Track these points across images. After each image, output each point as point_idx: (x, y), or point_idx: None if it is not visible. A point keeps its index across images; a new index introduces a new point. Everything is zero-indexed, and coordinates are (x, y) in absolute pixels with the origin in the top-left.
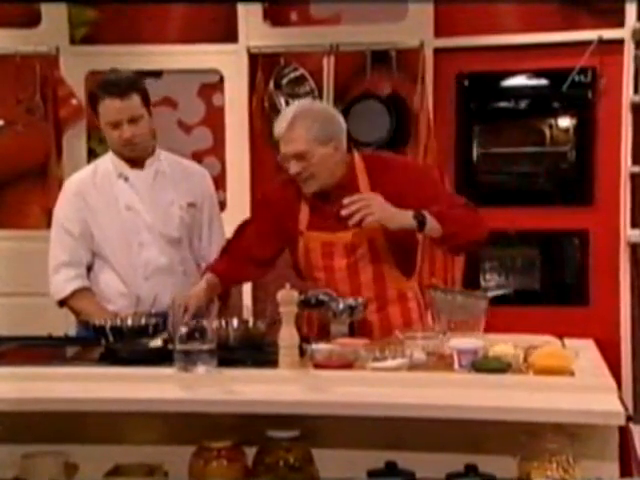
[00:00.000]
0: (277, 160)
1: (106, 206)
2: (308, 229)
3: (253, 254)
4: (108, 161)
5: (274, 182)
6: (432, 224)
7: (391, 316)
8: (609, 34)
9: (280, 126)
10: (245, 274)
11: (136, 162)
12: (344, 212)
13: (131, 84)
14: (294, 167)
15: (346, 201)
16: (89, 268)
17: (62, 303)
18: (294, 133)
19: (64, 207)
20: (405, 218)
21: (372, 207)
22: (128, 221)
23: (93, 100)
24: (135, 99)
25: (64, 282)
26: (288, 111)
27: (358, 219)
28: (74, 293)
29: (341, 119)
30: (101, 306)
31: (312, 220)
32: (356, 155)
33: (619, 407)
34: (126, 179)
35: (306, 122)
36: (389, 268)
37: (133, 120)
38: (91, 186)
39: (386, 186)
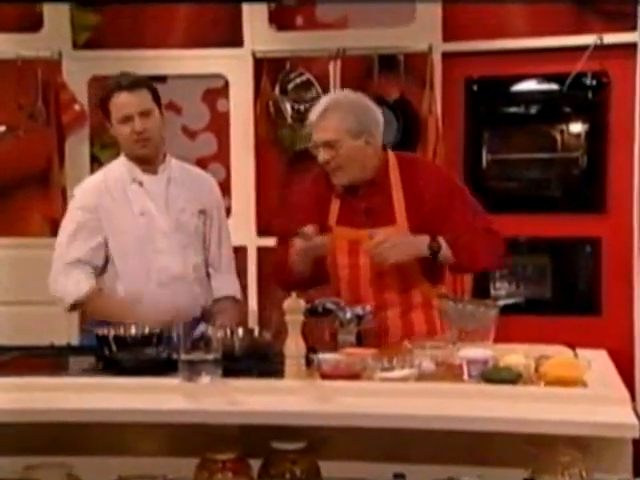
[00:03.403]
0: (285, 163)
1: (120, 211)
2: (337, 224)
3: None
4: (120, 166)
5: (305, 178)
6: (445, 253)
7: (415, 323)
8: (622, 38)
9: (314, 113)
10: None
11: (149, 166)
12: (365, 249)
13: (141, 80)
14: (322, 155)
15: (371, 242)
16: (102, 277)
17: (74, 307)
18: (326, 121)
19: (78, 211)
20: (419, 249)
21: (386, 253)
22: (142, 227)
23: (104, 101)
24: (145, 94)
25: (77, 282)
26: (324, 99)
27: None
28: (91, 292)
29: (378, 114)
30: (124, 301)
31: (341, 215)
32: (390, 154)
33: (633, 419)
34: (140, 184)
35: (340, 112)
36: (415, 272)
37: (144, 114)
38: (104, 191)
39: (417, 190)
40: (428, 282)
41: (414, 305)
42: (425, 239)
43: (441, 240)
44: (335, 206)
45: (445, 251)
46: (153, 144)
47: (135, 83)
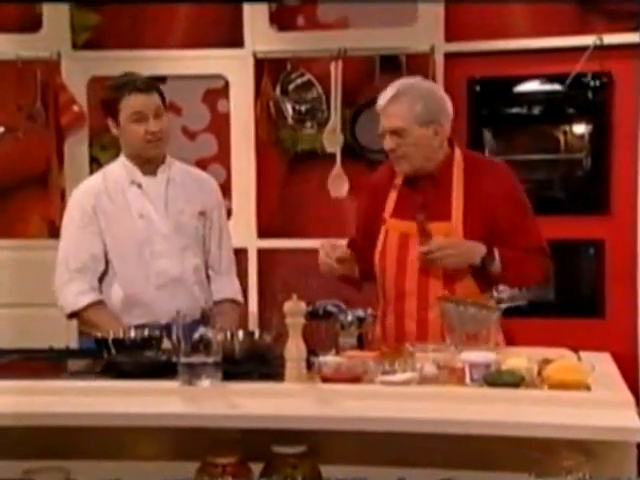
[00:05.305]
0: (286, 164)
1: (118, 213)
2: (391, 216)
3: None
4: (119, 167)
5: (373, 173)
6: (495, 266)
7: None
8: (624, 38)
9: (383, 97)
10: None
11: (149, 168)
12: (424, 249)
13: (153, 83)
14: (388, 143)
15: (429, 246)
16: (100, 279)
17: (72, 315)
18: (395, 108)
19: (77, 213)
20: (474, 259)
21: (445, 259)
22: (141, 229)
23: (113, 101)
24: (157, 97)
25: (77, 294)
26: (395, 83)
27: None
28: (88, 307)
29: (449, 105)
30: (118, 319)
31: (397, 207)
32: (457, 149)
33: (637, 422)
34: (139, 186)
35: (409, 99)
36: (461, 271)
37: (158, 115)
38: (102, 192)
39: (479, 192)
40: (475, 284)
41: None
42: (481, 250)
43: (495, 253)
44: (392, 198)
45: (496, 264)
46: (163, 145)
47: (149, 85)
